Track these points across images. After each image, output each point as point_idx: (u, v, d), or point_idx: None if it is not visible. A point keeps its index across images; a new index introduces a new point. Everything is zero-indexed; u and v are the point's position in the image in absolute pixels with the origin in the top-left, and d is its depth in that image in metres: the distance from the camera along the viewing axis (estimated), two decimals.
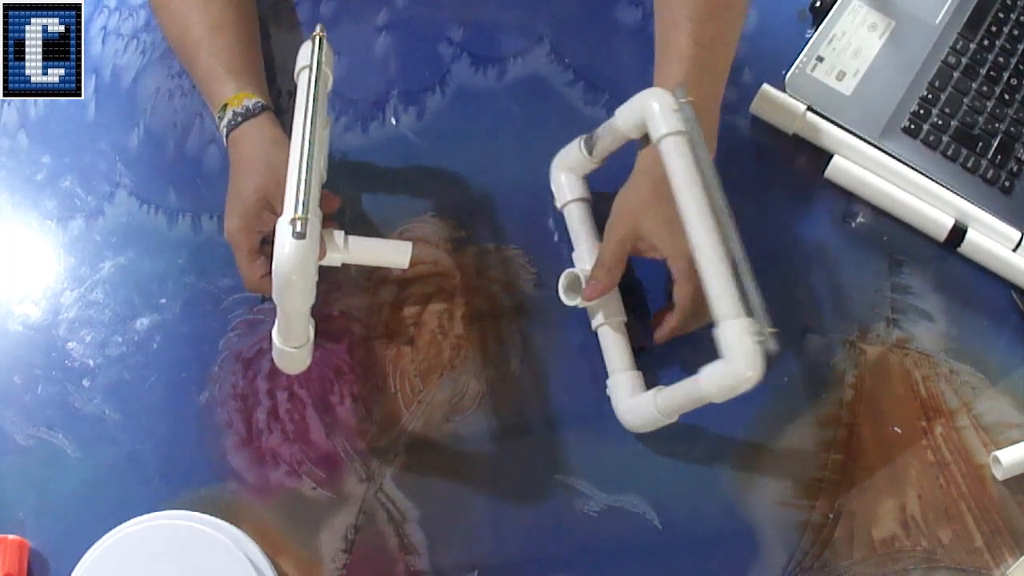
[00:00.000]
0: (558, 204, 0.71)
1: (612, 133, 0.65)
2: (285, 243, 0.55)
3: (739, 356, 0.57)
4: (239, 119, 0.66)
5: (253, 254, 0.66)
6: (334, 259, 0.62)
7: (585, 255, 0.69)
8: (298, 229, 0.54)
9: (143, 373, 0.70)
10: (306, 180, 0.56)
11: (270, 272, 0.57)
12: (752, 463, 0.66)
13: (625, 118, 0.63)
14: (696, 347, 0.66)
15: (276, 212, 0.62)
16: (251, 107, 0.66)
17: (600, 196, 0.70)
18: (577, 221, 0.70)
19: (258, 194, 0.64)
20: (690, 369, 0.60)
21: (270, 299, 0.68)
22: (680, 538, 0.65)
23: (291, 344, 0.61)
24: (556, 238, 0.72)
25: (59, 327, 0.71)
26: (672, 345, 0.66)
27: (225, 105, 0.67)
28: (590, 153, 0.67)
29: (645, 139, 0.64)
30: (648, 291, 0.71)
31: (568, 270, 0.68)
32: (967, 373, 0.69)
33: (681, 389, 0.61)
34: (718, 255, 0.59)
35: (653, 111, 0.61)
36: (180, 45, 0.71)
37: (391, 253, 0.64)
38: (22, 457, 0.68)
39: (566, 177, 0.71)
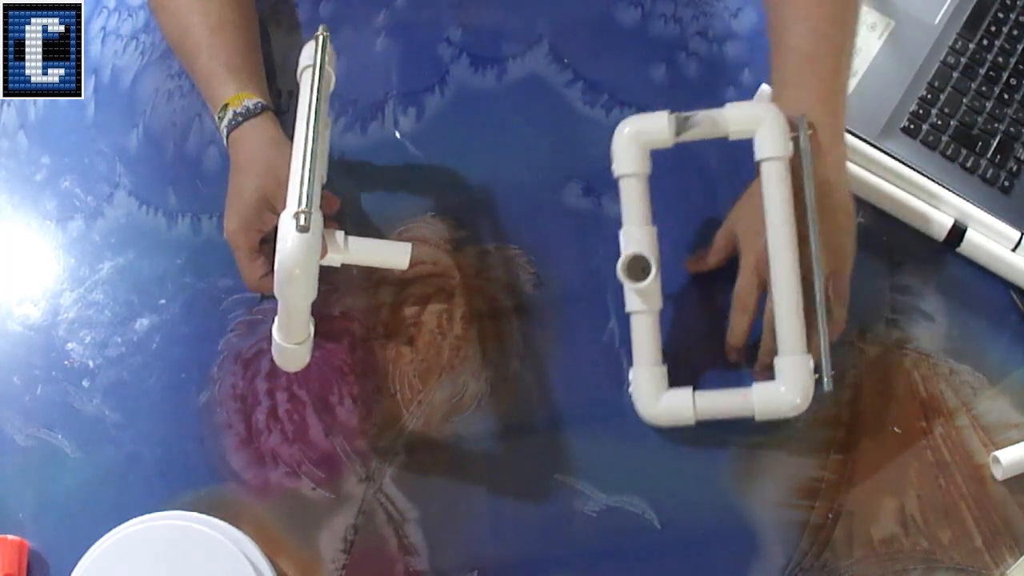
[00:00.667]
0: (616, 172, 0.65)
1: (712, 126, 0.64)
2: (288, 237, 0.55)
3: (793, 386, 0.62)
4: (239, 119, 0.66)
5: (253, 254, 0.66)
6: (334, 259, 0.62)
7: (634, 233, 0.64)
8: (302, 223, 0.55)
9: (143, 373, 0.70)
10: (310, 173, 0.56)
11: (271, 272, 0.58)
12: (752, 463, 0.66)
13: (734, 119, 0.63)
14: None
15: (276, 212, 0.62)
16: (251, 107, 0.66)
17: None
18: (633, 196, 0.64)
19: (258, 193, 0.64)
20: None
21: (270, 298, 0.68)
22: (680, 538, 0.65)
23: (292, 340, 0.61)
24: (560, 234, 0.72)
25: (59, 328, 0.71)
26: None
27: (226, 105, 0.67)
28: (677, 134, 0.64)
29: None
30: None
31: (633, 251, 0.63)
32: (967, 373, 0.69)
33: (725, 398, 0.63)
34: (792, 288, 0.61)
35: (765, 128, 0.62)
36: (180, 46, 0.71)
37: (390, 254, 0.64)
38: (22, 457, 0.68)
39: (631, 145, 0.64)
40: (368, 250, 0.64)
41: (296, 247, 0.55)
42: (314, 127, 0.58)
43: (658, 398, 0.64)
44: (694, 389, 0.63)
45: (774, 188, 0.62)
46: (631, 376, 0.65)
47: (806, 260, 0.61)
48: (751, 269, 0.64)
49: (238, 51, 0.70)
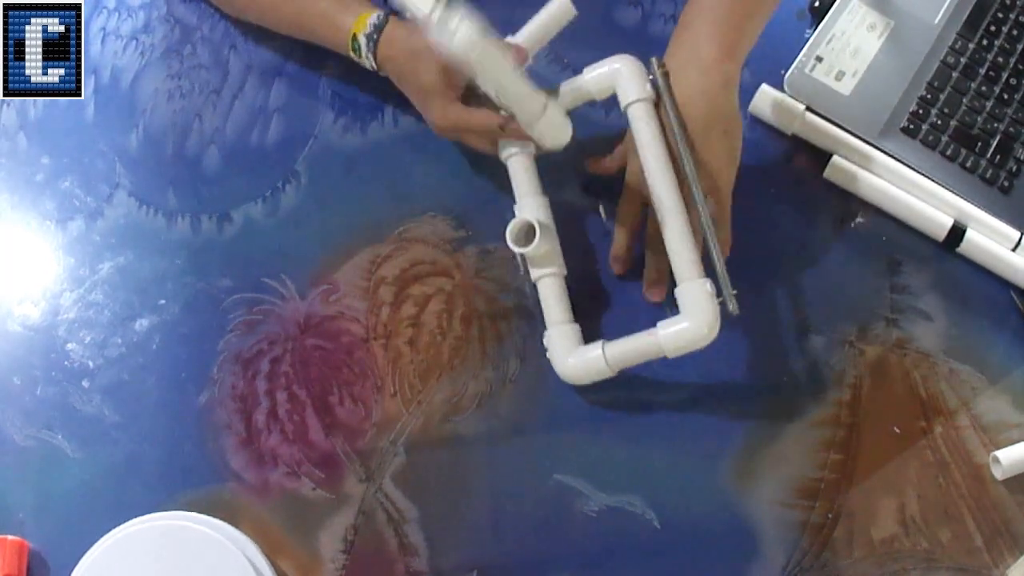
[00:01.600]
0: (502, 156, 0.69)
1: (577, 93, 0.67)
2: (451, 31, 0.55)
3: (696, 315, 0.61)
4: (375, 35, 0.67)
5: (476, 111, 0.66)
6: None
7: (528, 206, 0.68)
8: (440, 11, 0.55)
9: (142, 374, 0.70)
10: None
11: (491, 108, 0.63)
12: (752, 463, 0.66)
13: (593, 79, 0.67)
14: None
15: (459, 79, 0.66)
16: (377, 21, 0.68)
17: None
18: (521, 173, 0.68)
19: (439, 71, 0.65)
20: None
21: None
22: (680, 538, 0.65)
23: (526, 121, 0.62)
24: (560, 234, 0.72)
25: (58, 328, 0.71)
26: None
27: (354, 35, 0.68)
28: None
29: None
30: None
31: (519, 218, 0.66)
32: (967, 373, 0.69)
33: (634, 343, 0.63)
34: (682, 218, 0.63)
35: (622, 79, 0.66)
36: (277, 15, 0.73)
37: (555, 17, 0.65)
38: (22, 457, 0.68)
39: None
40: (538, 31, 0.64)
41: (458, 33, 0.55)
42: None
43: (570, 354, 0.65)
44: (605, 343, 0.64)
45: (642, 128, 0.64)
46: (545, 340, 0.66)
47: (687, 187, 0.63)
48: (631, 187, 0.68)
49: None
